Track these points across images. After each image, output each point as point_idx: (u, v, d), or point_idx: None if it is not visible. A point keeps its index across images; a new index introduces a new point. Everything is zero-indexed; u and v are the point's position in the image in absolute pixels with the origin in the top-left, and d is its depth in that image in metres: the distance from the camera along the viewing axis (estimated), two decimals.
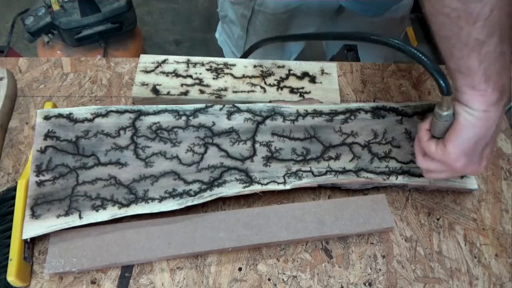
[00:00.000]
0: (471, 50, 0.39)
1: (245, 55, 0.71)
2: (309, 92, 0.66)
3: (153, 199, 0.53)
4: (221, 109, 0.60)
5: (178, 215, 0.54)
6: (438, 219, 0.59)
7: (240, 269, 0.54)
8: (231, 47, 0.98)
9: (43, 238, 0.53)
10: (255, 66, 0.68)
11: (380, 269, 0.55)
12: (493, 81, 0.40)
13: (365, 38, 0.49)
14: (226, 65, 0.68)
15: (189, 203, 0.53)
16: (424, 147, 0.48)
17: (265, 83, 0.66)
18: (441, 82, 0.42)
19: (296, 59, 0.95)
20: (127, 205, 0.52)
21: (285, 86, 0.66)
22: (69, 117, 0.57)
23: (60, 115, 0.57)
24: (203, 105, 0.60)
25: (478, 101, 0.41)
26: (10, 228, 0.51)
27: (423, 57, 0.43)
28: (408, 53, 0.44)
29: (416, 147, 0.51)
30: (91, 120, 0.57)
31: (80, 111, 0.57)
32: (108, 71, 0.70)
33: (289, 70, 0.68)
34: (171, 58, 0.67)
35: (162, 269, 0.53)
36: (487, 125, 0.43)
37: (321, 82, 0.67)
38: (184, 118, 0.59)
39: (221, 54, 1.01)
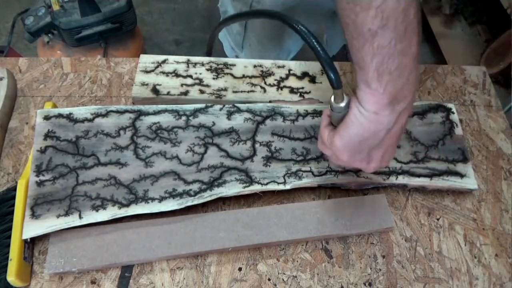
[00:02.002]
0: (365, 41, 0.37)
1: (212, 36, 0.68)
2: (309, 92, 0.66)
3: (153, 199, 0.53)
4: (221, 109, 0.60)
5: (178, 215, 0.54)
6: (438, 219, 0.59)
7: (240, 269, 0.54)
8: (230, 42, 0.98)
9: (43, 238, 0.53)
10: (255, 66, 0.68)
11: (380, 269, 0.55)
12: (385, 81, 0.38)
13: (275, 17, 0.46)
14: (226, 65, 0.68)
15: (189, 203, 0.53)
16: (320, 132, 0.48)
17: (265, 83, 0.66)
18: (331, 75, 0.41)
19: (295, 58, 0.96)
20: (127, 205, 0.52)
21: (285, 86, 0.66)
22: (69, 117, 0.57)
23: (60, 115, 0.57)
24: (203, 105, 0.60)
25: (369, 100, 0.39)
26: (10, 228, 0.51)
27: (318, 48, 0.41)
28: (306, 40, 0.42)
29: (320, 131, 0.50)
30: (91, 120, 0.57)
31: (80, 111, 0.57)
32: (108, 71, 0.70)
33: (289, 70, 0.68)
34: (171, 58, 0.67)
35: (162, 269, 0.53)
36: (374, 128, 0.41)
37: (321, 82, 0.67)
38: (184, 118, 0.59)
39: (221, 54, 1.02)
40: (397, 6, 0.35)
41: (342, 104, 0.43)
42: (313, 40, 0.41)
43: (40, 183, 0.52)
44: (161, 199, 0.53)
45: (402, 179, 0.58)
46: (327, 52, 0.41)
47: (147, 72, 0.66)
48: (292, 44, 0.97)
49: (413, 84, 0.40)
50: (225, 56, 1.01)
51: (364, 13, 0.36)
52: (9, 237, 0.50)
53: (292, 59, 0.99)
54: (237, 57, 0.98)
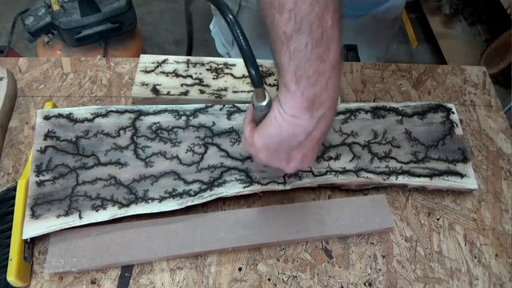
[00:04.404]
0: (282, 44, 0.37)
1: (189, 23, 0.66)
2: None
3: (153, 199, 0.53)
4: (221, 109, 0.60)
5: (178, 215, 0.54)
6: (438, 219, 0.59)
7: (240, 269, 0.54)
8: (221, 38, 0.99)
9: (43, 238, 0.53)
10: None
11: (380, 269, 0.55)
12: (303, 85, 0.38)
13: (212, 2, 0.44)
14: (226, 65, 0.68)
15: (189, 203, 0.53)
16: (243, 127, 0.47)
17: (265, 83, 0.66)
18: (252, 73, 0.40)
19: None
20: (127, 205, 0.52)
21: None
22: (69, 117, 0.57)
23: (60, 115, 0.57)
24: (203, 105, 0.60)
25: (288, 103, 0.39)
26: (10, 228, 0.51)
27: (244, 45, 0.39)
28: (235, 37, 0.40)
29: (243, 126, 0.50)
30: (91, 120, 0.57)
31: (80, 111, 0.57)
32: (108, 71, 0.70)
33: None
34: (171, 58, 0.67)
35: (162, 269, 0.53)
36: (293, 131, 0.40)
37: None
38: (184, 118, 0.59)
39: (214, 51, 1.03)
40: (310, 11, 0.35)
41: (264, 103, 0.42)
42: (239, 34, 0.39)
43: (40, 183, 0.52)
44: (161, 199, 0.53)
45: (402, 179, 0.58)
46: (250, 48, 0.40)
47: (147, 72, 0.66)
48: None
49: (333, 91, 0.39)
50: (217, 52, 1.02)
51: (279, 16, 0.36)
52: (9, 237, 0.50)
53: None
54: (228, 54, 0.98)
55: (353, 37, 0.86)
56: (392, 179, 0.58)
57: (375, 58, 0.94)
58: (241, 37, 0.39)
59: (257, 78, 0.41)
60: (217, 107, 0.60)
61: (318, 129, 0.41)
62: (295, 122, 0.40)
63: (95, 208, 0.52)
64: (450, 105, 0.65)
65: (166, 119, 0.58)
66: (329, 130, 0.44)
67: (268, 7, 0.37)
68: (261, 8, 0.38)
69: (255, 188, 0.55)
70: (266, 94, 0.42)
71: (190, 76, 0.66)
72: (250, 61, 0.40)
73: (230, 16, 0.39)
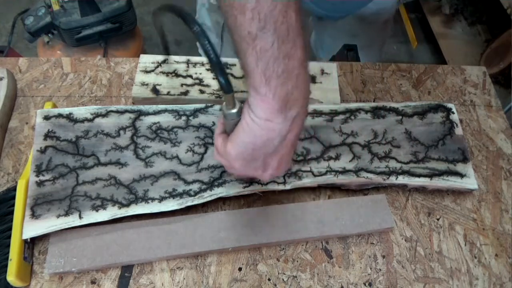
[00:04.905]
0: (248, 45, 0.35)
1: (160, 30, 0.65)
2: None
3: (153, 199, 0.53)
4: (221, 109, 0.60)
5: (178, 215, 0.54)
6: (438, 219, 0.59)
7: (240, 269, 0.54)
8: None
9: (43, 238, 0.53)
10: None
11: (380, 269, 0.55)
12: (274, 85, 0.36)
13: (176, 12, 0.44)
14: (226, 65, 0.68)
15: (189, 203, 0.53)
16: (214, 140, 0.46)
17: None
18: (221, 79, 0.39)
19: None
20: (127, 205, 0.52)
21: None
22: (69, 117, 0.57)
23: (60, 115, 0.57)
24: (203, 105, 0.60)
25: (260, 107, 0.38)
26: (10, 228, 0.51)
27: (210, 50, 0.38)
28: (200, 41, 0.39)
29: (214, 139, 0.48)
30: (91, 120, 0.57)
31: (80, 111, 0.57)
32: (108, 71, 0.70)
33: None
34: (171, 58, 0.67)
35: (162, 269, 0.53)
36: (267, 136, 0.39)
37: (321, 82, 0.67)
38: (184, 118, 0.59)
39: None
40: (273, 8, 0.34)
41: (234, 111, 0.41)
42: (206, 42, 0.38)
43: (40, 183, 0.52)
44: (161, 199, 0.53)
45: (402, 179, 0.58)
46: (218, 56, 0.39)
47: (147, 72, 0.66)
48: None
49: (303, 88, 0.38)
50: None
51: (241, 16, 0.35)
52: (9, 237, 0.50)
53: None
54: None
55: (343, 39, 0.86)
56: (392, 179, 0.58)
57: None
58: (207, 44, 0.38)
59: (226, 84, 0.40)
60: (217, 107, 0.60)
61: (293, 131, 0.40)
62: (268, 126, 0.38)
63: (95, 208, 0.52)
64: (450, 105, 0.65)
65: (166, 119, 0.58)
66: (301, 132, 0.42)
67: (229, 9, 0.35)
68: (222, 10, 0.37)
69: (255, 188, 0.55)
70: (236, 101, 0.41)
71: (190, 76, 0.66)
72: (219, 69, 0.39)
73: (196, 26, 0.38)
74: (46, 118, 0.56)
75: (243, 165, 0.42)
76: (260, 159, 0.42)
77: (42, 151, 0.54)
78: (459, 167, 0.60)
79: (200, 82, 0.65)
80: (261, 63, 0.36)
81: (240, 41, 0.36)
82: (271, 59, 0.36)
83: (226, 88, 0.40)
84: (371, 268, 0.55)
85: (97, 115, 0.58)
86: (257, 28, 0.34)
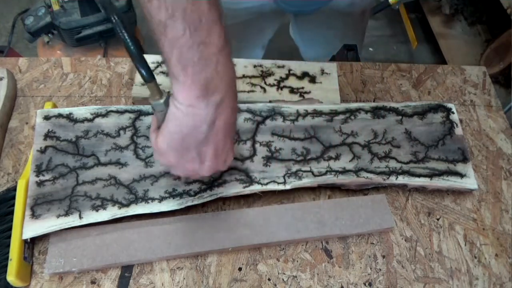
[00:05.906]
0: (160, 33, 0.36)
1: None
2: (309, 92, 0.66)
3: (153, 199, 0.53)
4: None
5: (178, 215, 0.54)
6: (438, 219, 0.59)
7: (240, 269, 0.54)
8: None
9: (43, 238, 0.53)
10: (255, 66, 0.68)
11: (380, 269, 0.55)
12: (191, 73, 0.36)
13: (102, 4, 0.44)
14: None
15: (189, 203, 0.53)
16: (150, 138, 0.45)
17: (265, 83, 0.66)
18: (140, 68, 0.39)
19: (270, 54, 0.96)
20: (127, 205, 0.52)
21: (285, 86, 0.66)
22: (69, 117, 0.57)
23: (60, 115, 0.57)
24: None
25: (181, 94, 0.38)
26: (10, 228, 0.51)
27: (128, 40, 0.39)
28: (117, 32, 0.39)
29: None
30: (91, 120, 0.57)
31: (80, 111, 0.57)
32: (108, 71, 0.70)
33: (289, 70, 0.68)
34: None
35: (162, 269, 0.53)
36: (193, 123, 0.39)
37: (321, 82, 0.67)
38: None
39: None
40: None
41: (161, 101, 0.41)
42: (124, 33, 0.39)
43: (40, 183, 0.52)
44: (161, 199, 0.53)
45: (402, 179, 0.58)
46: (137, 45, 0.39)
47: None
48: (260, 40, 0.98)
49: (225, 74, 0.38)
50: None
51: (149, 4, 0.35)
52: (9, 237, 0.50)
53: (266, 51, 1.01)
54: None
55: (321, 32, 0.86)
56: (392, 179, 0.58)
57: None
58: (125, 35, 0.38)
59: (146, 71, 0.39)
60: None
61: (220, 117, 0.39)
62: (192, 112, 0.38)
63: (95, 208, 0.52)
64: (450, 105, 0.65)
65: None
66: (235, 120, 0.42)
67: None
68: (140, 3, 0.37)
69: (255, 188, 0.55)
70: (162, 91, 0.41)
71: None
72: (138, 58, 0.39)
73: (115, 16, 0.38)
74: (46, 118, 0.56)
75: (177, 157, 0.42)
76: (192, 149, 0.41)
77: (42, 151, 0.54)
78: (459, 167, 0.60)
79: None
80: (175, 52, 0.36)
81: (154, 30, 0.36)
82: (185, 47, 0.36)
83: (147, 76, 0.40)
84: (371, 268, 0.55)
85: (97, 115, 0.58)
86: (166, 17, 0.34)
